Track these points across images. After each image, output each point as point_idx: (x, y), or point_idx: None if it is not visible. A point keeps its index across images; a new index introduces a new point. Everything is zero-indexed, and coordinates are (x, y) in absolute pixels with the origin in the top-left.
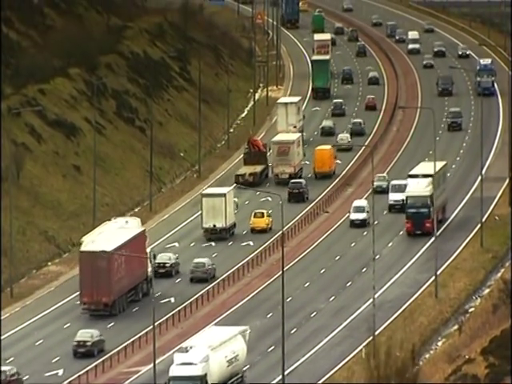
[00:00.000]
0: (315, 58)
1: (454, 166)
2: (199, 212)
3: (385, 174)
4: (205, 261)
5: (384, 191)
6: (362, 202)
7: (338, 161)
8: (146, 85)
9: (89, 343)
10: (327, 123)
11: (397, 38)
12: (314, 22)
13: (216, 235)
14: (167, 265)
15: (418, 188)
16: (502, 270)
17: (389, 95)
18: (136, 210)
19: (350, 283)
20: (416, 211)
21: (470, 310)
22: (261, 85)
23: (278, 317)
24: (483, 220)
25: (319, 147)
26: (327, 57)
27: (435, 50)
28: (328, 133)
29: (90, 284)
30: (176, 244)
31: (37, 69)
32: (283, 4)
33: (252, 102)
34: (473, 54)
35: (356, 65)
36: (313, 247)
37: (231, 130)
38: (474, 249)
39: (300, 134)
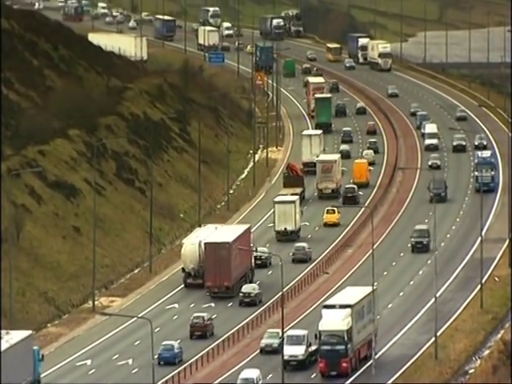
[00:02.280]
0: (318, 96)
1: (453, 228)
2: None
3: (278, 330)
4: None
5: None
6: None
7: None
8: (146, 146)
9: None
10: (344, 147)
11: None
12: (286, 67)
13: (286, 237)
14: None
15: (333, 321)
16: (502, 332)
17: (388, 156)
18: (136, 271)
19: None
20: (330, 349)
21: (470, 372)
22: (261, 146)
23: (279, 378)
24: (483, 281)
25: (356, 161)
26: (329, 95)
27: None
28: (346, 156)
29: (214, 270)
30: (176, 305)
31: (37, 130)
32: (257, 52)
33: (252, 163)
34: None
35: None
36: (313, 308)
37: (231, 191)
38: (473, 310)
39: (339, 155)
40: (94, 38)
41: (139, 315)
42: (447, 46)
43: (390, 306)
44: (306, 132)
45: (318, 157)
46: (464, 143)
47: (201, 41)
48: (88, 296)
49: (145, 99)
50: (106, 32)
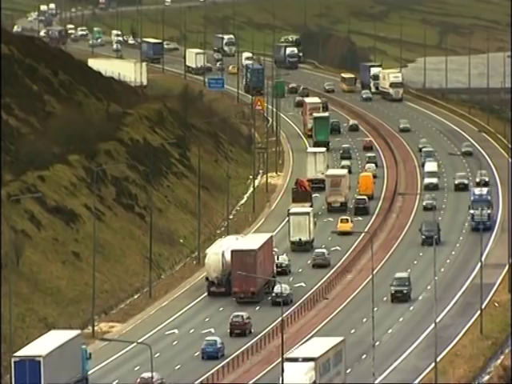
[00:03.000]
0: (316, 115)
1: (453, 253)
2: (199, 298)
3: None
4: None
5: None
6: None
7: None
8: (146, 171)
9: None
10: (345, 163)
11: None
12: (276, 88)
13: (301, 247)
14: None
15: (295, 376)
16: (502, 357)
17: (388, 181)
18: (135, 296)
19: (349, 370)
20: None
21: None
22: (260, 171)
23: None
24: (483, 306)
25: (362, 174)
26: (327, 114)
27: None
28: (348, 171)
29: (240, 276)
30: (175, 331)
31: (36, 155)
32: (248, 73)
33: (252, 189)
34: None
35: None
36: (313, 333)
37: (231, 217)
38: (473, 335)
39: (347, 170)
40: (94, 64)
41: (139, 341)
42: (447, 71)
43: (389, 331)
44: (310, 149)
45: (323, 174)
46: (466, 182)
47: (188, 63)
48: (88, 321)
49: (144, 125)
50: (106, 57)
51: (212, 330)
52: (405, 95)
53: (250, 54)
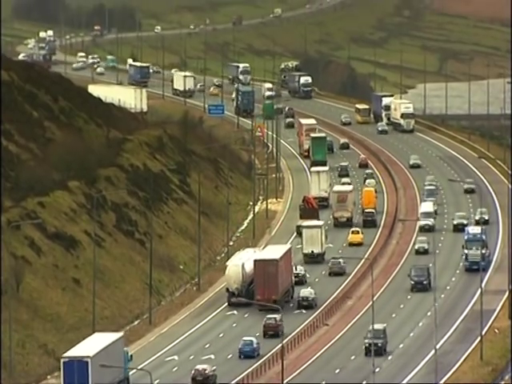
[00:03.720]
0: (314, 135)
1: (453, 279)
2: (199, 324)
3: None
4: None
5: None
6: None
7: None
8: (146, 197)
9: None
10: (346, 180)
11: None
12: (265, 110)
13: (313, 259)
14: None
15: None
16: (502, 383)
17: (388, 208)
18: (135, 322)
19: None
20: None
21: None
22: (260, 197)
23: None
24: (483, 333)
25: (365, 189)
26: (324, 134)
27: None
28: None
29: (263, 285)
30: (175, 357)
31: (36, 182)
32: (239, 96)
33: (252, 215)
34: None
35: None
36: (313, 360)
37: (231, 243)
38: (473, 362)
39: (352, 187)
40: (94, 90)
41: (139, 367)
42: (447, 97)
43: (389, 357)
44: (314, 169)
45: (326, 192)
46: (465, 222)
47: (176, 86)
48: None
49: (145, 151)
50: (106, 84)
51: (212, 357)
52: (416, 126)
53: (270, 85)
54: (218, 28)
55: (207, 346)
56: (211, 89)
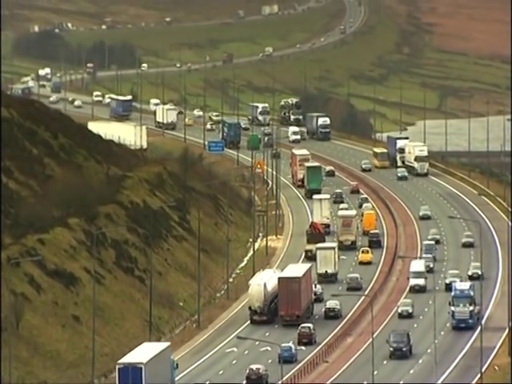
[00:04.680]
0: (309, 164)
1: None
2: (199, 361)
3: None
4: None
5: None
6: None
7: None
8: (146, 234)
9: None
10: (344, 206)
11: None
12: (251, 141)
13: (327, 279)
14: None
15: None
16: None
17: (388, 245)
18: None
19: None
20: None
21: None
22: (260, 234)
23: None
24: (483, 370)
25: (366, 212)
26: (318, 164)
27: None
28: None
29: (286, 301)
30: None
31: (36, 219)
32: (225, 128)
33: (251, 252)
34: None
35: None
36: None
37: (231, 280)
38: None
39: (356, 212)
40: (94, 127)
41: None
42: (447, 134)
43: None
44: (316, 196)
45: (328, 219)
46: (459, 280)
47: (159, 119)
48: None
49: (144, 188)
50: (106, 120)
51: None
52: (431, 169)
53: (296, 129)
54: (218, 65)
55: (207, 382)
56: (186, 119)
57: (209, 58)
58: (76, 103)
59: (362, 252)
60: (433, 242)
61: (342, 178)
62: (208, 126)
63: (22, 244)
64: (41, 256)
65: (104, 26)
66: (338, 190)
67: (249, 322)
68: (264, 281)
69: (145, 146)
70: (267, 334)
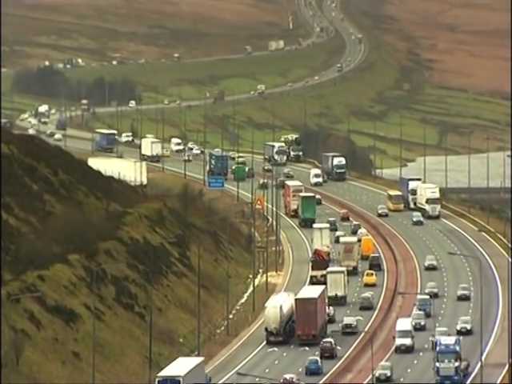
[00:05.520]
0: (303, 194)
1: None
2: None
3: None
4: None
5: None
6: None
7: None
8: (146, 271)
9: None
10: (340, 233)
11: None
12: (237, 172)
13: (337, 301)
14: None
15: None
16: None
17: (388, 281)
18: None
19: None
20: None
21: None
22: (260, 270)
23: None
24: None
25: (364, 237)
26: (312, 194)
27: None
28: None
29: (303, 321)
30: None
31: (36, 255)
32: (212, 160)
33: (251, 288)
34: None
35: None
36: None
37: (230, 316)
38: None
39: (356, 238)
40: (94, 163)
41: None
42: (447, 171)
43: None
44: (316, 225)
45: (328, 247)
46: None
47: (144, 151)
48: None
49: (144, 224)
50: (106, 157)
51: None
52: (443, 210)
53: (318, 171)
54: (218, 101)
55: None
56: (163, 151)
57: (209, 94)
58: (56, 136)
59: (367, 275)
60: (427, 297)
61: (329, 207)
62: (185, 157)
63: (22, 280)
64: (41, 292)
65: (105, 63)
66: (332, 219)
67: (249, 357)
68: (280, 303)
69: (145, 182)
70: (276, 362)
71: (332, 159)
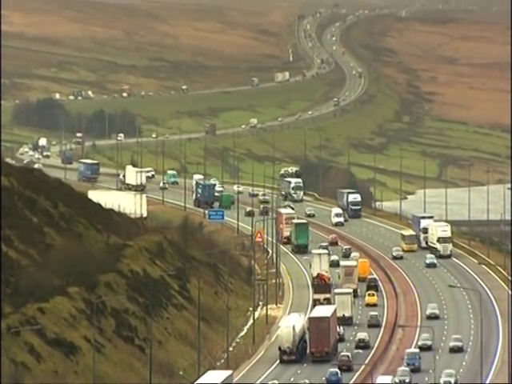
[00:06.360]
0: (296, 221)
1: None
2: None
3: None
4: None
5: None
6: None
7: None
8: (146, 303)
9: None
10: (335, 258)
11: None
12: (222, 200)
13: (344, 322)
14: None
15: None
16: None
17: (388, 314)
18: None
19: None
20: None
21: None
22: (260, 303)
23: None
24: None
25: (360, 260)
26: (305, 221)
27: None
28: (336, 264)
29: (317, 339)
30: None
31: (36, 287)
32: (199, 189)
33: (251, 321)
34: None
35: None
36: None
37: (231, 349)
38: None
39: (356, 263)
40: (94, 196)
41: None
42: (447, 203)
43: None
44: (315, 251)
45: (326, 272)
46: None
47: (128, 180)
48: None
49: (144, 256)
50: (106, 189)
51: None
52: (455, 249)
53: (339, 211)
54: (218, 133)
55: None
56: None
57: (209, 126)
58: (36, 166)
59: (368, 295)
60: (417, 350)
61: (317, 233)
62: (161, 185)
63: (22, 313)
64: (41, 325)
65: (105, 96)
66: (324, 244)
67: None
68: (292, 323)
69: (145, 214)
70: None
71: (347, 196)
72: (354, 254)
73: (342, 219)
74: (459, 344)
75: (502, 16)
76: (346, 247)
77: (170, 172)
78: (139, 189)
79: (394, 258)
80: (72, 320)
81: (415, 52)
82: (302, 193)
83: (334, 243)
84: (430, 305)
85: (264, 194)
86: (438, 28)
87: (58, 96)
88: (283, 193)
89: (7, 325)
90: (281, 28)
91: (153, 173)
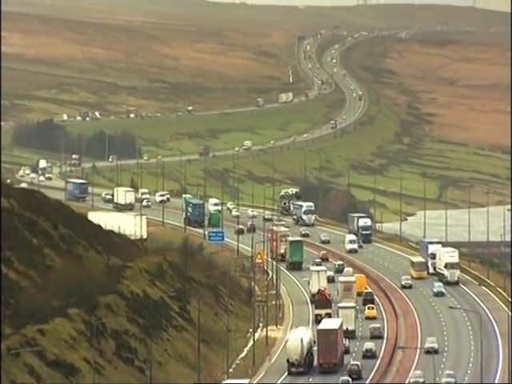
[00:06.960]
0: (291, 239)
1: None
2: None
3: None
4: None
5: None
6: None
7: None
8: (146, 325)
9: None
10: (330, 273)
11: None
12: (212, 218)
13: (347, 335)
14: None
15: None
16: None
17: (388, 336)
18: None
19: None
20: None
21: None
22: (260, 324)
23: None
24: None
25: (356, 275)
26: (299, 238)
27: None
28: (332, 279)
29: (325, 350)
30: None
31: (36, 309)
32: (189, 208)
33: (252, 342)
34: None
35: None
36: None
37: (231, 370)
38: None
39: (355, 278)
40: (94, 217)
41: None
42: (447, 225)
43: None
44: (314, 268)
45: (325, 289)
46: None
47: (117, 200)
48: None
49: (144, 278)
50: (106, 211)
51: None
52: (464, 275)
53: (353, 237)
54: (218, 155)
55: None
56: (144, 202)
57: (210, 147)
58: (22, 185)
59: (368, 308)
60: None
61: (308, 250)
62: (144, 203)
63: (22, 334)
64: (40, 346)
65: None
66: (318, 260)
67: None
68: (300, 336)
69: (145, 235)
70: None
71: (357, 220)
72: (347, 269)
73: (355, 246)
74: (451, 381)
75: (501, 37)
76: (338, 263)
77: (186, 195)
78: (128, 208)
79: (403, 286)
80: (72, 341)
81: (415, 73)
82: (313, 217)
83: (324, 259)
84: (428, 338)
85: (280, 219)
86: (438, 49)
87: (65, 117)
88: (295, 217)
89: (7, 346)
90: (281, 49)
91: (147, 196)
